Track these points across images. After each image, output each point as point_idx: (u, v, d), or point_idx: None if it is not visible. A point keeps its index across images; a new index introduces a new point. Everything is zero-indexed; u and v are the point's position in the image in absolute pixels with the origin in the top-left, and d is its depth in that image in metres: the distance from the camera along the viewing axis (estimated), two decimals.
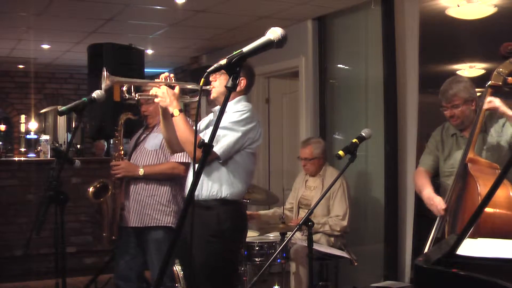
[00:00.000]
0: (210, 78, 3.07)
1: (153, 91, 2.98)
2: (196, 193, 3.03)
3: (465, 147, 3.17)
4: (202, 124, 3.25)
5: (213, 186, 2.98)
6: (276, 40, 1.73)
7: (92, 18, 5.50)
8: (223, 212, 2.98)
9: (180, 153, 3.52)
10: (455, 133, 3.40)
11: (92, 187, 3.87)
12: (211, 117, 3.25)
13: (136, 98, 3.10)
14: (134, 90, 3.06)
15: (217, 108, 3.17)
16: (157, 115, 3.77)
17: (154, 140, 3.79)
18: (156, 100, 2.97)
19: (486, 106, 3.08)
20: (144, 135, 3.92)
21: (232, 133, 2.93)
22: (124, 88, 3.03)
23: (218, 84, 3.08)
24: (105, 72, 2.92)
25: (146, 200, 3.72)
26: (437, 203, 3.21)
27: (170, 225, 3.72)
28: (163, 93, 2.94)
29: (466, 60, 6.07)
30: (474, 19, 4.69)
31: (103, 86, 2.96)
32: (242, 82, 3.11)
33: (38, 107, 9.74)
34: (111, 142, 3.99)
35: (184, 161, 3.63)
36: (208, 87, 3.07)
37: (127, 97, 3.04)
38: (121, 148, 3.81)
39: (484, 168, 3.04)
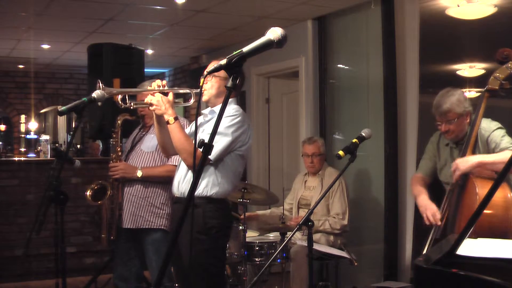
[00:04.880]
0: (200, 81, 3.08)
1: (148, 99, 3.01)
2: (183, 190, 3.09)
3: (463, 149, 3.19)
4: (193, 126, 3.26)
5: (200, 185, 3.01)
6: (276, 40, 1.74)
7: (92, 18, 5.50)
8: (209, 210, 3.02)
9: (177, 156, 3.54)
10: (449, 143, 3.40)
11: (89, 190, 3.88)
12: (201, 119, 3.25)
13: (131, 108, 3.11)
14: (129, 99, 3.08)
15: (208, 110, 3.18)
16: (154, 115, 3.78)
17: (151, 142, 3.79)
18: (151, 108, 3.01)
19: (454, 180, 3.10)
20: (141, 135, 3.93)
21: (224, 138, 2.98)
22: (119, 97, 3.04)
23: (209, 86, 3.10)
24: (100, 84, 2.93)
25: (140, 202, 3.73)
26: (431, 213, 3.22)
27: (163, 227, 3.73)
28: (158, 101, 2.97)
29: (466, 60, 6.06)
30: (474, 19, 4.68)
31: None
32: None
33: (38, 107, 9.74)
34: (111, 143, 3.98)
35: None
36: (198, 90, 3.07)
37: (122, 106, 3.05)
38: (118, 149, 3.82)
39: (482, 170, 3.05)
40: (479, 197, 2.88)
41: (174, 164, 3.61)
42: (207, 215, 3.01)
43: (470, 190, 2.98)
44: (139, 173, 3.70)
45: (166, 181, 3.68)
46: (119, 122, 3.88)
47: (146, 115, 3.90)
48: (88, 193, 3.87)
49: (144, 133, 3.93)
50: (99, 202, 3.88)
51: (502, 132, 3.19)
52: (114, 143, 3.87)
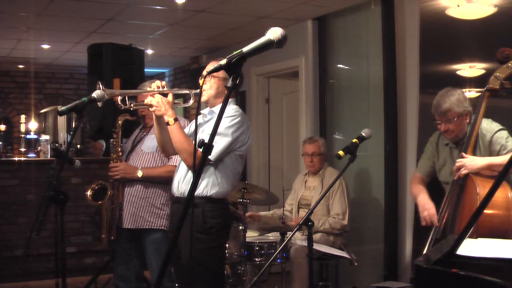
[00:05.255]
0: (200, 82, 3.09)
1: (148, 100, 3.02)
2: (183, 190, 3.10)
3: (463, 149, 3.18)
4: (192, 126, 3.27)
5: (200, 185, 3.02)
6: (276, 40, 1.74)
7: (92, 18, 5.50)
8: (209, 209, 3.03)
9: (177, 157, 3.55)
10: (448, 143, 3.39)
11: (90, 190, 3.88)
12: (200, 119, 3.26)
13: (131, 109, 3.12)
14: (129, 100, 3.08)
15: (207, 110, 3.18)
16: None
17: (151, 142, 3.79)
18: (151, 109, 3.02)
19: (455, 176, 3.10)
20: (142, 135, 3.93)
21: (224, 139, 2.99)
22: (119, 98, 3.05)
23: (208, 87, 3.11)
24: (100, 86, 2.93)
25: (140, 202, 3.74)
26: (429, 214, 3.21)
27: (163, 228, 3.73)
28: (157, 102, 2.98)
29: (466, 60, 6.06)
30: (474, 19, 4.68)
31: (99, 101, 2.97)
32: None
33: (38, 107, 9.74)
34: (111, 143, 3.98)
35: None
36: (197, 90, 3.08)
37: (122, 107, 3.05)
38: (119, 149, 3.83)
39: (482, 170, 3.05)
40: (479, 197, 2.88)
41: (174, 164, 3.61)
42: (207, 215, 3.02)
43: (470, 190, 2.98)
44: (140, 174, 3.70)
45: (166, 181, 3.68)
46: (119, 122, 3.89)
47: (146, 116, 3.90)
48: (89, 193, 3.88)
49: (144, 133, 3.93)
50: (99, 202, 3.88)
51: (505, 133, 3.18)
52: (114, 143, 3.88)
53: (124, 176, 3.76)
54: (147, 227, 3.73)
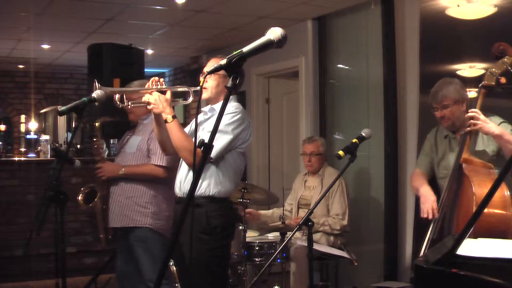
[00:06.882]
0: (200, 79, 3.08)
1: (145, 98, 3.00)
2: (185, 190, 3.09)
3: (459, 147, 3.19)
4: (193, 124, 3.26)
5: (202, 184, 3.00)
6: (276, 40, 1.74)
7: (92, 18, 5.50)
8: (212, 209, 3.01)
9: (158, 156, 3.61)
10: (448, 134, 3.40)
11: (80, 195, 3.94)
12: (201, 117, 3.25)
13: (129, 107, 3.11)
14: (126, 98, 3.07)
15: (207, 107, 3.17)
16: (137, 110, 3.75)
17: (134, 142, 3.82)
18: (149, 107, 3.00)
19: (468, 128, 3.09)
20: (128, 136, 3.97)
21: (225, 136, 2.97)
22: (117, 97, 3.03)
23: (208, 85, 3.09)
24: (96, 84, 2.93)
25: (124, 201, 3.76)
26: (431, 207, 3.21)
27: (148, 226, 3.73)
28: (155, 100, 2.97)
29: (466, 60, 6.05)
30: (474, 19, 4.68)
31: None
32: None
33: (38, 107, 9.74)
34: (93, 146, 4.02)
35: (161, 164, 3.66)
36: (197, 88, 3.07)
37: (120, 106, 3.05)
38: (100, 151, 3.87)
39: (478, 168, 3.05)
40: (476, 197, 2.88)
41: (155, 163, 3.64)
42: (210, 215, 3.00)
43: (467, 190, 2.98)
44: (121, 171, 3.74)
45: (148, 179, 3.70)
46: (97, 125, 3.92)
47: (131, 113, 3.90)
48: (80, 197, 3.94)
49: (130, 134, 3.96)
50: (90, 204, 3.93)
51: (509, 126, 3.19)
52: (95, 146, 3.92)
53: (110, 175, 3.80)
54: (132, 225, 3.74)
